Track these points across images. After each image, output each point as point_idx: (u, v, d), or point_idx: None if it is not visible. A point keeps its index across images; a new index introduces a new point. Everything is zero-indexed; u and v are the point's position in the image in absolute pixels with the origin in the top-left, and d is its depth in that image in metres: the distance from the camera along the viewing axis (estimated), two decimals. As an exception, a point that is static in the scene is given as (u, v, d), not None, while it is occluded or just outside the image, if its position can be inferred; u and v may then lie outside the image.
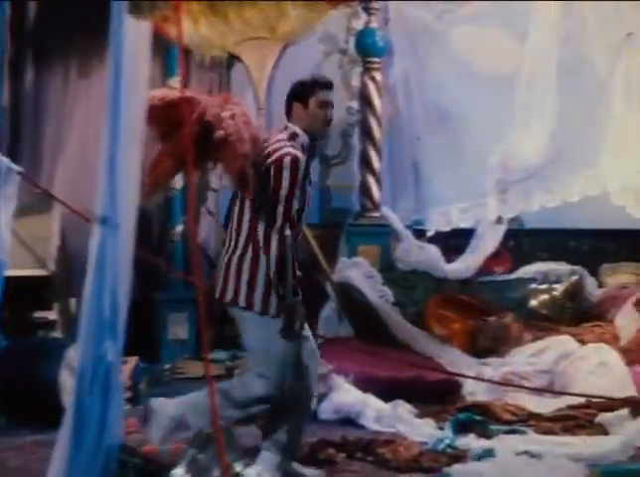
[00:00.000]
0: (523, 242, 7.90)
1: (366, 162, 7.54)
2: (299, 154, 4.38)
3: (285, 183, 4.32)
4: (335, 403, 5.93)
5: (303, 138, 4.48)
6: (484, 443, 5.16)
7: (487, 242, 7.43)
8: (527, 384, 6.24)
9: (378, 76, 7.55)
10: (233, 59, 7.50)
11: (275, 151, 4.39)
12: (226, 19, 6.77)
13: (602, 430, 5.48)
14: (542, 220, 7.86)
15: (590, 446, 5.11)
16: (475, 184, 7.37)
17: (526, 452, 4.85)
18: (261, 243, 4.37)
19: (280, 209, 4.33)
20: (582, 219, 7.77)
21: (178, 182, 7.05)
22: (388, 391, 6.03)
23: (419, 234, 7.61)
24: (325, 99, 4.53)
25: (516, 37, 7.37)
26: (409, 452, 5.07)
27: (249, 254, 4.39)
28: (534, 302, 7.29)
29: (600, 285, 7.71)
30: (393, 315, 7.02)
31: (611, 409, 5.62)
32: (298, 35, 7.15)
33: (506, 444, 5.09)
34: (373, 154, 7.53)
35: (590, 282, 7.57)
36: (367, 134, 7.54)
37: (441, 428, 5.52)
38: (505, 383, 6.08)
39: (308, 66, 7.10)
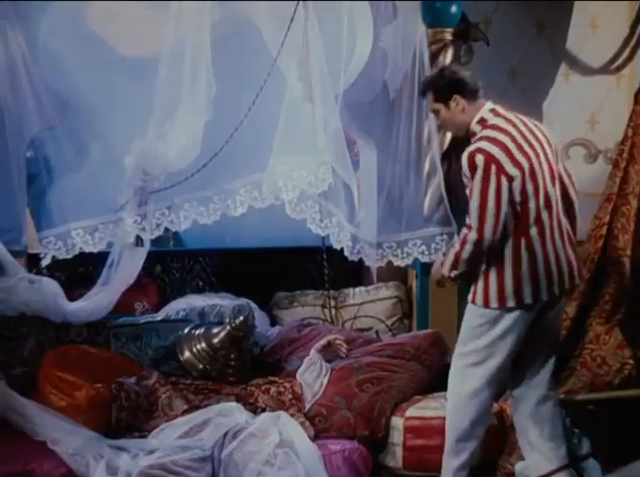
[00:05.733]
0: (173, 269, 6.27)
1: (-48, 166, 5.47)
2: None
3: None
4: None
5: None
6: None
7: (124, 271, 5.60)
8: (179, 481, 4.51)
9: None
10: None
11: None
12: None
13: None
14: (198, 238, 6.31)
15: None
16: (106, 194, 5.56)
17: None
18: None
19: None
20: (250, 236, 6.30)
21: None
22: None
23: (34, 263, 5.73)
24: None
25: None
26: None
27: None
28: (187, 354, 5.42)
29: (274, 322, 6.13)
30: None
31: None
32: None
33: None
34: (-37, 154, 5.47)
35: (261, 320, 5.92)
36: (-46, 128, 5.48)
37: None
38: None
39: None
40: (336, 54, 5.50)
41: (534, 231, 4.56)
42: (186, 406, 5.04)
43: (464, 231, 4.53)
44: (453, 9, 5.72)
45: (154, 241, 5.68)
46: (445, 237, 5.74)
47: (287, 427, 4.81)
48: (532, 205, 4.54)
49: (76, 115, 5.69)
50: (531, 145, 4.59)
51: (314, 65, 5.41)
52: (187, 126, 5.40)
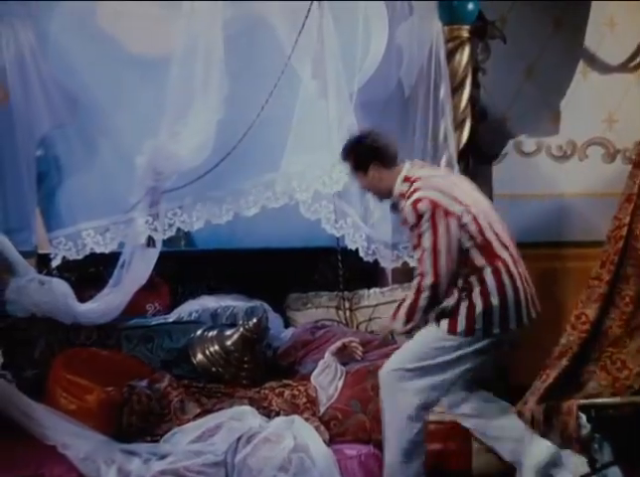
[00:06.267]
0: (185, 270, 6.16)
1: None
2: None
3: None
4: None
5: None
6: None
7: (135, 272, 5.52)
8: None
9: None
10: None
11: None
12: None
13: None
14: (210, 239, 6.23)
15: None
16: (117, 194, 5.52)
17: None
18: None
19: None
20: (263, 236, 6.20)
21: None
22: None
23: (44, 263, 5.68)
24: None
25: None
26: None
27: None
28: (200, 356, 5.36)
29: (288, 323, 6.05)
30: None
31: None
32: None
33: None
34: (-36, 153, 5.47)
35: (275, 322, 5.84)
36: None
37: None
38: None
39: None
40: (351, 52, 5.45)
41: (505, 254, 4.53)
42: (198, 410, 4.97)
43: (417, 280, 4.47)
44: (470, 6, 5.64)
45: (166, 242, 5.62)
46: (461, 237, 5.68)
47: (302, 432, 4.74)
48: (489, 233, 4.51)
49: (85, 113, 5.66)
50: (459, 180, 4.69)
51: (329, 63, 5.37)
52: (199, 125, 5.35)
